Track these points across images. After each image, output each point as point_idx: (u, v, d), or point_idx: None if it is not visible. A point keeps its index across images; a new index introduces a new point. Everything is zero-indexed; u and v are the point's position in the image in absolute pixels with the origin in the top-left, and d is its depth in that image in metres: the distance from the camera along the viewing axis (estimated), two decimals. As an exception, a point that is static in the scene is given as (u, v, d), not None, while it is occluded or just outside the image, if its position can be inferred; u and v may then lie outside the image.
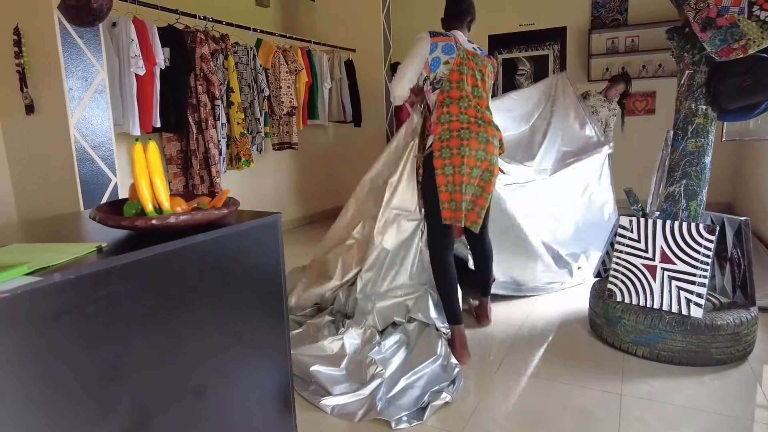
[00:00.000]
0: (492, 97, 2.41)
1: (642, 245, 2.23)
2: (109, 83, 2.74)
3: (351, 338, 2.23)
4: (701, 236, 2.09)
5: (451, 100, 2.14)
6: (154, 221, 0.99)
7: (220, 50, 3.57)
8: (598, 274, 2.62)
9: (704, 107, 2.22)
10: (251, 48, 3.90)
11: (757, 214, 4.01)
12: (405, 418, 1.74)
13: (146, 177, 1.04)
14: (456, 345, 2.19)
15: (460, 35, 2.24)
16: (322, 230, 4.18)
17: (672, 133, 2.31)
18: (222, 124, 3.58)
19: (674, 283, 2.13)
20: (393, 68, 5.09)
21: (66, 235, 1.21)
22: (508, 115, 3.44)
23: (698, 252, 2.09)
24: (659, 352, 2.11)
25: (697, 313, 2.06)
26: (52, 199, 2.64)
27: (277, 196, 4.86)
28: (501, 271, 2.81)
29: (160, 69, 3.17)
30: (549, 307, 2.79)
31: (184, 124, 3.41)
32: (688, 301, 2.08)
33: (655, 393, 1.90)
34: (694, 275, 2.09)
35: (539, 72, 5.98)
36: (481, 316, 2.58)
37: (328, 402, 1.84)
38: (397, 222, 2.47)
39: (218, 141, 3.53)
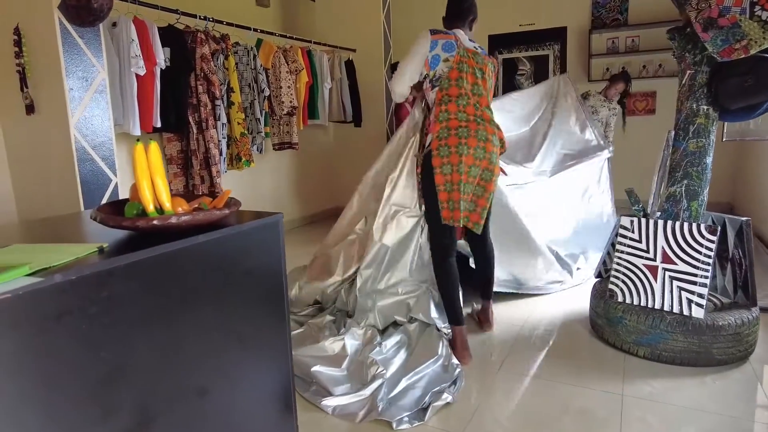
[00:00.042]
0: (493, 97, 2.40)
1: (643, 245, 2.23)
2: (109, 83, 2.73)
3: (352, 339, 2.23)
4: (702, 236, 2.09)
5: (450, 98, 2.13)
6: (155, 222, 0.98)
7: (221, 50, 3.57)
8: (599, 275, 2.62)
9: (705, 107, 2.21)
10: (251, 48, 3.90)
11: (757, 214, 4.01)
12: (406, 419, 1.74)
13: (148, 177, 1.04)
14: (457, 345, 2.18)
15: (461, 33, 2.24)
16: (322, 230, 4.18)
17: (673, 133, 2.31)
18: (222, 124, 3.58)
19: (675, 283, 2.13)
20: (393, 68, 5.05)
21: (67, 235, 1.21)
22: (509, 115, 3.44)
23: (699, 252, 2.09)
24: (660, 352, 2.11)
25: (698, 313, 2.06)
26: (52, 199, 2.64)
27: (278, 196, 4.86)
28: (502, 268, 2.81)
29: (161, 69, 3.17)
30: (550, 308, 2.79)
31: (184, 124, 3.41)
32: (690, 301, 2.08)
33: (656, 393, 1.90)
34: (695, 275, 2.08)
35: (539, 72, 5.97)
36: (483, 321, 2.53)
37: (329, 403, 1.83)
38: (396, 218, 2.47)
39: (219, 141, 3.53)
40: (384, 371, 1.97)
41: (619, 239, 2.31)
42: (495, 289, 2.65)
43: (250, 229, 1.16)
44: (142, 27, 3.03)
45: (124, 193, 2.79)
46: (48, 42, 2.44)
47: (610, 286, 2.31)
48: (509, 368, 2.13)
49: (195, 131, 3.44)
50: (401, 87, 2.25)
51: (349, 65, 5.07)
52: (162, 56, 3.14)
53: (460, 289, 2.27)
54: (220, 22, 3.67)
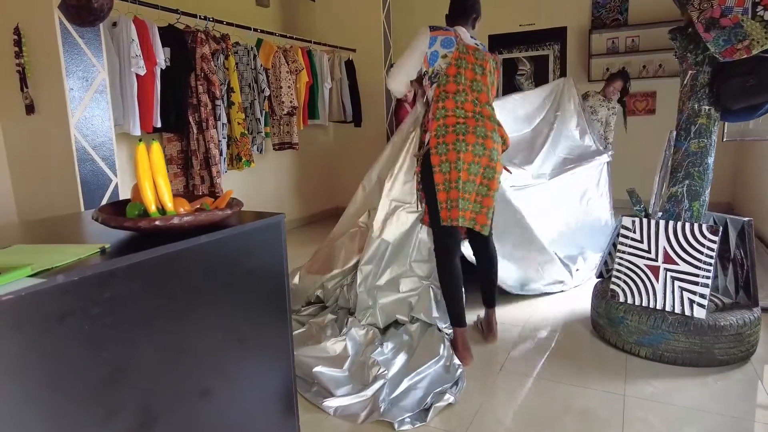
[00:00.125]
0: (495, 96, 2.39)
1: (645, 246, 2.23)
2: (109, 83, 2.73)
3: (353, 339, 2.22)
4: (704, 237, 2.08)
5: (447, 95, 2.10)
6: (157, 222, 0.98)
7: (221, 50, 3.57)
8: (600, 275, 2.62)
9: (707, 107, 2.21)
10: (252, 48, 3.90)
11: (758, 214, 4.01)
12: (408, 420, 1.73)
13: (149, 178, 1.03)
14: (458, 346, 2.17)
15: (462, 30, 2.20)
16: (322, 230, 4.18)
17: (675, 133, 2.30)
18: (222, 124, 3.58)
19: (677, 283, 2.13)
20: (393, 68, 5.09)
21: (68, 236, 1.20)
22: (510, 116, 3.43)
23: (701, 252, 2.08)
24: (662, 352, 2.11)
25: (700, 313, 2.05)
26: (52, 199, 2.63)
27: (278, 196, 4.85)
28: (504, 267, 2.80)
29: (161, 69, 3.16)
30: (551, 308, 2.79)
31: (184, 124, 3.40)
32: (691, 301, 2.08)
33: (658, 394, 1.90)
34: (697, 276, 2.08)
35: (539, 72, 5.97)
36: (487, 333, 2.41)
37: (330, 403, 1.83)
38: (396, 214, 2.48)
39: (219, 141, 3.53)
40: (385, 372, 1.96)
41: (621, 239, 2.31)
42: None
43: (251, 230, 1.16)
44: (143, 27, 3.03)
45: (124, 194, 2.79)
46: (48, 42, 2.44)
47: (612, 287, 2.31)
48: (511, 369, 2.13)
49: (195, 131, 3.44)
50: (397, 84, 2.23)
51: (349, 65, 5.07)
52: (162, 56, 3.14)
53: (463, 290, 2.24)
54: (221, 22, 3.67)
